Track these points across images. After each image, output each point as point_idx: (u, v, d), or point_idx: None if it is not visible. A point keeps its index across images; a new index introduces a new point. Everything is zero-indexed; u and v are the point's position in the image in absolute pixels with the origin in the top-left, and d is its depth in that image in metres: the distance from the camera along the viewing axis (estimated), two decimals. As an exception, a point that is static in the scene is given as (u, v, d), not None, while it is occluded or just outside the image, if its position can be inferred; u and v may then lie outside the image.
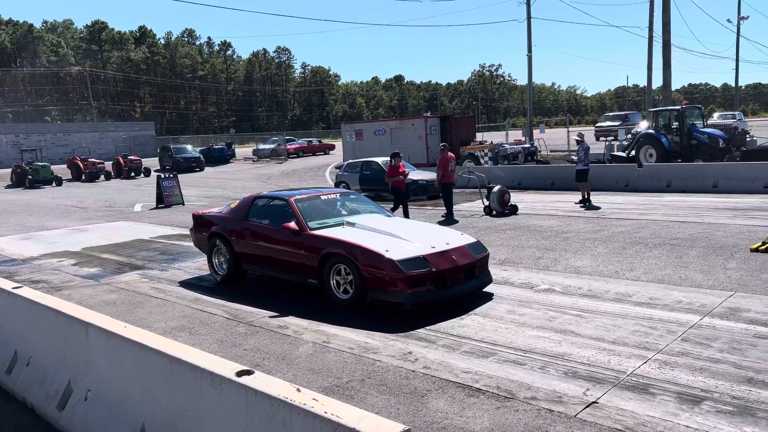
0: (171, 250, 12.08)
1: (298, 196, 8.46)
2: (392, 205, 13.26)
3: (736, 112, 41.52)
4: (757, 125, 35.44)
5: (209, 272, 9.31)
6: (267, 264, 8.35)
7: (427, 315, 6.73)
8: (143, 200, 22.47)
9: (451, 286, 7.01)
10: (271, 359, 5.78)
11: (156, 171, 35.31)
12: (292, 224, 7.81)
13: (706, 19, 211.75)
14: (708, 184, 16.30)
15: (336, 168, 20.88)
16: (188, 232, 10.79)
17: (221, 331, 6.76)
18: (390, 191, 13.87)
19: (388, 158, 20.22)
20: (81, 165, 36.08)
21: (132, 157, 37.72)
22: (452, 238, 7.60)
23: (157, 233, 14.32)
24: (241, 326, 6.88)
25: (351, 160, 20.92)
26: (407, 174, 14.65)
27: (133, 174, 36.57)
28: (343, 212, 8.60)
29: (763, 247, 8.90)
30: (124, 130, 60.31)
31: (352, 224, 7.91)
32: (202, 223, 9.53)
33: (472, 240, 7.76)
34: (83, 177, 35.50)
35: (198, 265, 10.27)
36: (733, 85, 55.56)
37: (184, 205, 19.85)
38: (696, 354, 5.27)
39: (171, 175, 21.07)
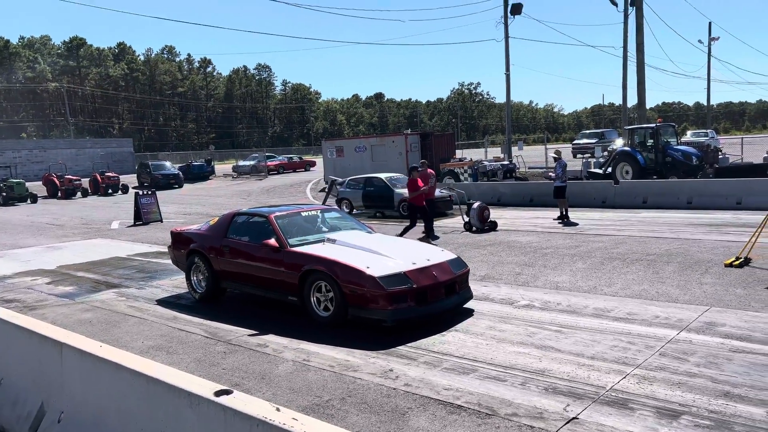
0: (149, 267, 11.92)
1: (278, 213, 8.41)
2: (427, 227, 13.00)
3: (708, 130, 42.39)
4: (729, 143, 36.21)
5: (188, 290, 9.20)
6: (246, 281, 8.27)
7: (408, 332, 6.72)
8: (121, 217, 22.20)
9: (432, 303, 7.00)
10: (250, 378, 5.71)
11: (134, 188, 34.97)
12: (272, 241, 7.76)
13: (678, 40, 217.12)
14: (683, 201, 16.59)
15: (338, 185, 20.59)
16: (166, 250, 10.67)
17: (199, 350, 6.67)
18: (407, 209, 13.45)
19: (390, 174, 20.17)
20: (57, 182, 35.59)
21: (109, 174, 37.29)
22: (433, 255, 7.61)
23: (134, 251, 14.13)
24: (219, 345, 6.80)
25: (353, 177, 20.51)
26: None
27: (110, 191, 36.14)
28: (324, 229, 8.58)
29: (737, 262, 9.05)
30: (101, 146, 59.69)
31: (333, 241, 7.89)
32: (180, 241, 9.43)
33: (452, 256, 7.78)
34: (59, 194, 35.00)
35: (176, 283, 10.15)
36: (705, 103, 56.85)
37: (162, 222, 19.64)
38: (674, 369, 5.32)
39: (149, 192, 20.86)
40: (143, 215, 19.72)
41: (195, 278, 9.00)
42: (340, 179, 21.36)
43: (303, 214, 8.77)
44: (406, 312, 6.76)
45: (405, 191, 17.02)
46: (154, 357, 6.31)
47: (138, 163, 46.69)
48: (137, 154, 62.56)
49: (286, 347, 6.55)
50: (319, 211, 9.18)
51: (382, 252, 7.42)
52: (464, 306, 7.57)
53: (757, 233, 9.24)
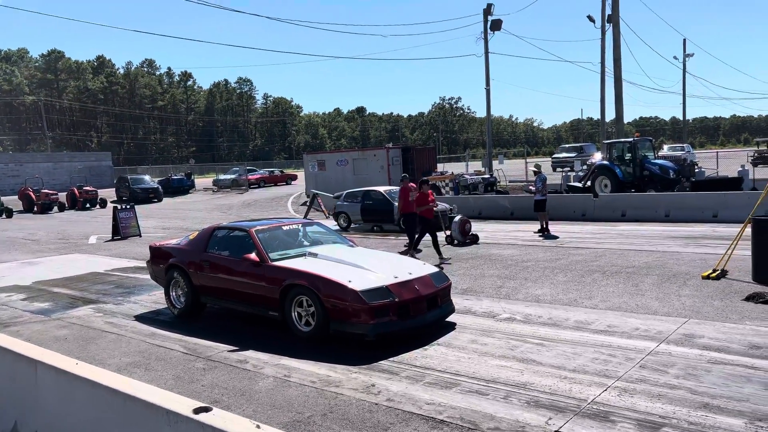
0: (127, 283, 11.76)
1: (258, 227, 8.35)
2: (410, 240, 12.72)
3: (684, 145, 43.14)
4: (704, 157, 36.90)
5: (166, 306, 9.08)
6: (227, 296, 8.18)
7: (390, 346, 6.68)
8: (99, 232, 21.90)
9: (414, 317, 6.98)
10: (230, 395, 5.64)
11: (112, 202, 34.58)
12: (253, 255, 7.69)
13: (654, 56, 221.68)
14: (660, 214, 16.82)
15: (334, 198, 20.35)
16: (145, 265, 10.53)
17: (178, 366, 6.57)
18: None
19: (389, 187, 19.93)
20: (33, 196, 35.02)
21: (87, 188, 36.81)
22: (415, 268, 7.60)
23: (112, 266, 13.93)
24: (199, 361, 6.70)
25: (350, 190, 20.20)
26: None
27: (88, 205, 35.67)
28: (305, 243, 8.53)
29: (714, 274, 9.18)
30: (79, 160, 58.91)
31: (315, 255, 7.84)
32: (159, 255, 9.31)
33: (434, 269, 7.78)
34: (35, 208, 34.43)
35: (155, 299, 10.01)
36: (681, 118, 58.02)
37: (141, 236, 19.41)
38: (654, 380, 5.36)
39: (128, 206, 20.63)
40: (122, 230, 19.48)
41: (174, 293, 8.89)
42: (336, 193, 21.16)
43: (284, 228, 8.72)
44: (388, 326, 6.73)
45: None
46: (131, 374, 6.20)
47: (117, 177, 46.16)
48: (116, 168, 61.86)
49: (266, 363, 6.48)
50: (300, 225, 9.14)
51: (364, 266, 7.40)
52: (447, 320, 7.56)
53: (732, 246, 9.38)
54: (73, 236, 21.41)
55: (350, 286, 6.76)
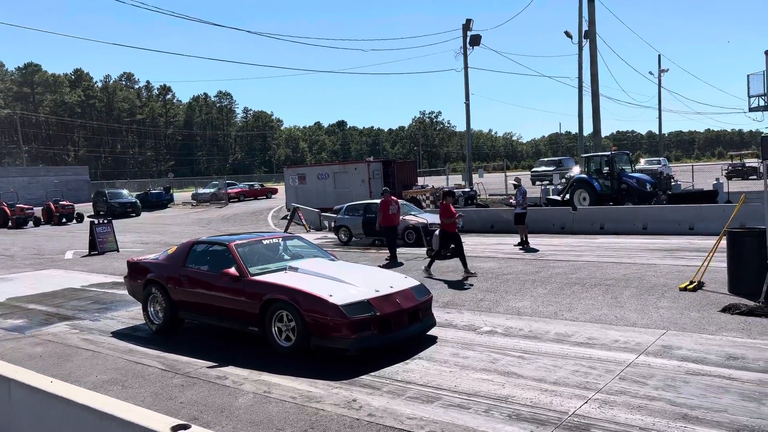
0: (104, 299, 11.57)
1: (238, 241, 8.28)
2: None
3: (660, 158, 43.88)
4: (680, 170, 37.58)
5: (144, 322, 8.95)
6: (206, 312, 8.07)
7: (372, 360, 6.65)
8: (75, 247, 21.56)
9: (396, 330, 6.95)
10: (209, 412, 5.55)
11: (89, 217, 34.09)
12: (232, 270, 7.62)
13: (630, 72, 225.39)
14: (638, 226, 17.04)
15: (334, 211, 19.92)
16: (122, 280, 10.38)
17: (156, 383, 6.46)
18: (442, 235, 11.92)
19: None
20: (8, 211, 34.40)
21: (64, 203, 36.26)
22: (396, 282, 7.59)
23: (89, 281, 13.71)
24: (177, 378, 6.60)
25: (351, 203, 19.74)
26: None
27: (64, 220, 35.11)
28: (286, 257, 8.48)
29: (691, 286, 9.30)
30: (55, 174, 58.09)
31: (295, 269, 7.79)
32: (137, 270, 9.18)
33: (415, 283, 7.77)
34: (10, 223, 33.82)
35: (132, 315, 9.86)
36: (658, 132, 58.96)
37: (118, 251, 19.14)
38: (633, 392, 5.39)
39: (105, 221, 20.35)
40: (99, 245, 19.18)
41: (152, 309, 8.76)
42: (336, 206, 20.84)
43: (264, 242, 8.65)
44: (370, 340, 6.69)
45: (409, 218, 16.88)
46: (108, 392, 6.08)
47: (94, 191, 45.56)
48: (93, 182, 61.15)
49: (246, 379, 6.41)
50: (280, 238, 9.09)
51: (345, 280, 7.36)
52: (428, 333, 7.55)
53: (709, 257, 9.53)
54: (49, 251, 21.05)
55: (331, 300, 6.72)
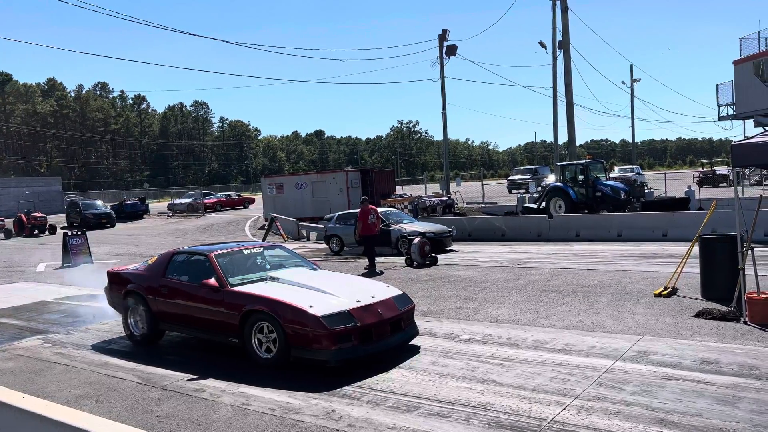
0: (77, 312, 11.34)
1: (218, 251, 8.17)
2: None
3: (634, 166, 44.55)
4: (653, 178, 38.21)
5: (122, 334, 8.80)
6: (186, 323, 7.96)
7: (352, 371, 6.62)
8: (48, 259, 21.14)
9: (377, 341, 6.87)
10: (186, 425, 5.47)
11: (63, 228, 33.51)
12: (212, 280, 7.52)
13: (604, 81, 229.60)
14: (613, 234, 17.27)
15: (325, 220, 19.62)
16: (96, 293, 10.21)
17: (132, 397, 6.35)
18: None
19: (386, 208, 19.36)
20: (-23, 223, 33.68)
21: (36, 214, 35.57)
22: (378, 291, 7.51)
23: (62, 294, 13.44)
24: (153, 391, 6.50)
25: (343, 212, 19.66)
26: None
27: (36, 232, 34.43)
28: (267, 267, 8.38)
29: (665, 292, 9.45)
30: (27, 185, 57.05)
31: (276, 279, 7.71)
32: (117, 281, 9.03)
33: (397, 292, 7.68)
34: (-20, 235, 33.09)
35: (107, 327, 9.69)
36: (631, 141, 59.97)
37: (93, 263, 18.81)
38: (611, 398, 5.45)
39: (79, 233, 20.00)
40: (72, 257, 18.86)
41: (132, 320, 8.63)
42: (326, 215, 20.56)
43: (245, 251, 8.53)
44: (351, 352, 6.62)
45: (403, 227, 16.81)
46: (82, 407, 5.97)
47: (67, 202, 44.78)
48: (67, 193, 60.11)
49: (224, 391, 6.33)
50: (261, 248, 9.00)
51: (325, 290, 7.29)
52: (410, 342, 7.54)
53: (682, 263, 9.69)
54: (21, 264, 20.61)
55: (311, 311, 6.64)
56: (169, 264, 8.41)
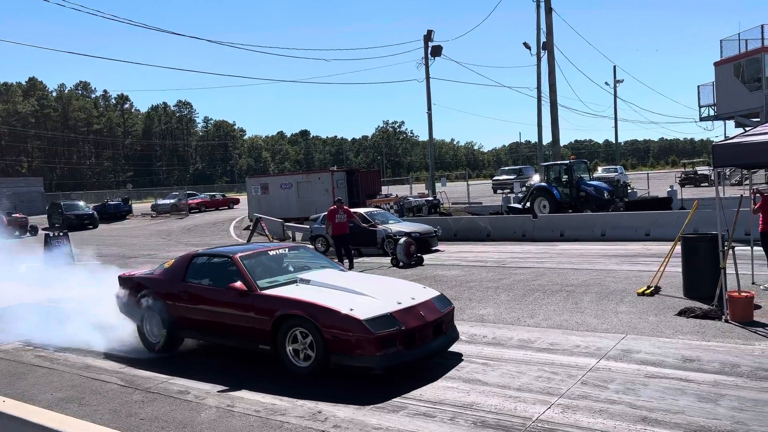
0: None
1: (242, 253, 7.67)
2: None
3: (617, 166, 44.92)
4: (636, 178, 38.57)
5: (142, 344, 8.13)
6: (210, 330, 7.47)
7: (334, 373, 6.60)
8: (28, 261, 20.83)
9: (421, 345, 6.44)
10: (170, 428, 5.43)
11: (44, 229, 33.10)
12: (239, 284, 7.01)
13: (587, 82, 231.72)
14: (597, 233, 17.41)
15: (311, 221, 19.46)
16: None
17: (115, 400, 6.29)
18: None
19: (371, 209, 19.13)
20: (-43, 224, 33.14)
21: (16, 215, 35.10)
22: (416, 292, 7.10)
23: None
24: (137, 393, 6.43)
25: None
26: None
27: (17, 233, 33.98)
28: (292, 269, 7.88)
29: (648, 291, 9.55)
30: (7, 186, 56.15)
31: (307, 281, 7.22)
32: (130, 287, 8.40)
33: (436, 293, 7.27)
34: (-41, 237, 32.58)
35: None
36: (614, 141, 60.53)
37: (75, 264, 18.57)
38: (595, 396, 5.49)
39: (61, 233, 19.75)
40: (53, 258, 18.60)
41: (149, 328, 8.01)
42: (312, 216, 20.42)
43: (270, 253, 8.07)
44: (396, 357, 6.19)
45: (388, 227, 16.77)
46: (64, 410, 5.89)
47: (49, 202, 44.23)
48: (48, 194, 59.36)
49: (208, 393, 6.28)
50: (286, 249, 8.54)
51: (362, 291, 6.84)
52: (450, 349, 7.05)
53: (665, 263, 9.79)
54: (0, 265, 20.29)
55: (353, 314, 6.20)
56: (189, 267, 7.89)
